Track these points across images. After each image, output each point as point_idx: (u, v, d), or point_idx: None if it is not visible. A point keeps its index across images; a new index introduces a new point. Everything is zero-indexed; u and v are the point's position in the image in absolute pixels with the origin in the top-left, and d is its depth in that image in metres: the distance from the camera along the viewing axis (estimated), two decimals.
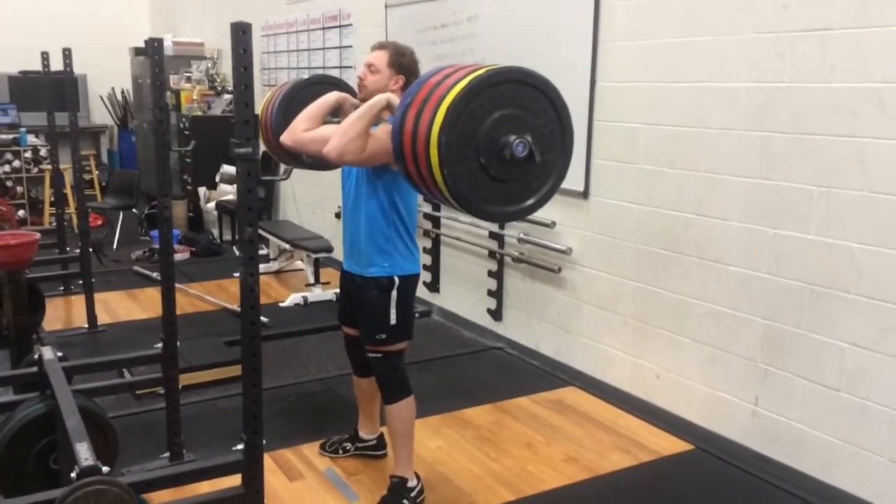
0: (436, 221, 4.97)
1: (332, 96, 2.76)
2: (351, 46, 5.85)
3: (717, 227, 3.23)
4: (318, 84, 3.11)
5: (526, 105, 2.16)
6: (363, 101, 2.61)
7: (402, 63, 2.70)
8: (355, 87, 2.82)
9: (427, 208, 5.00)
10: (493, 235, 4.46)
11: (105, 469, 1.92)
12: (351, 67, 5.87)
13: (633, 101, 3.55)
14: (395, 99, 2.46)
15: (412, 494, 2.75)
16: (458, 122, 2.06)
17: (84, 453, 1.96)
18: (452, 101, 2.06)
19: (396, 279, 2.69)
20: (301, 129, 2.70)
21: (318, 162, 2.81)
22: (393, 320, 2.69)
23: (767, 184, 3.01)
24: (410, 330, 2.78)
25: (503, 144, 2.12)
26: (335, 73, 6.09)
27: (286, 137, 2.75)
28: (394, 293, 2.69)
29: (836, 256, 2.82)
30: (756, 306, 3.11)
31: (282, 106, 3.01)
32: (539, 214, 4.07)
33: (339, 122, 2.65)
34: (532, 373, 4.12)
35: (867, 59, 2.67)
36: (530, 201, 2.25)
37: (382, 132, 2.45)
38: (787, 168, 2.95)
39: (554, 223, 4.00)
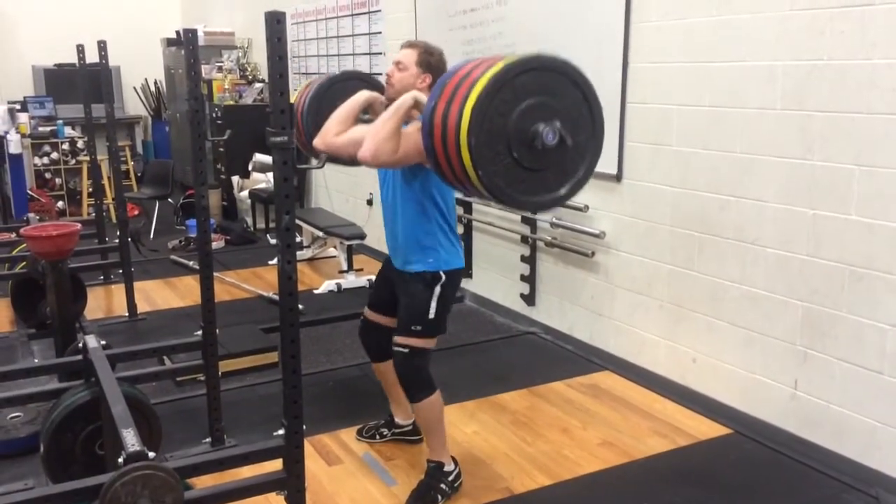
0: (467, 207, 4.96)
1: (361, 96, 2.76)
2: (380, 33, 5.85)
3: (755, 208, 3.18)
4: (347, 80, 3.09)
5: (549, 90, 2.13)
6: (390, 99, 2.61)
7: (431, 62, 2.70)
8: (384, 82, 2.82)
9: (458, 194, 5.00)
10: (525, 220, 4.45)
11: (151, 454, 1.97)
12: (381, 54, 5.87)
13: (666, 81, 3.51)
14: (423, 97, 2.46)
15: (450, 478, 2.77)
16: (484, 120, 2.05)
17: (130, 439, 2.01)
18: (476, 101, 2.04)
19: (443, 275, 2.71)
20: (333, 133, 2.72)
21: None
22: (432, 314, 2.70)
23: (806, 164, 2.97)
24: (445, 325, 2.79)
25: (533, 135, 2.10)
26: (364, 59, 6.11)
27: (319, 143, 2.77)
28: (437, 288, 2.70)
29: (877, 237, 2.77)
30: (795, 288, 3.07)
31: (312, 105, 3.01)
32: (572, 198, 4.06)
33: (370, 120, 2.68)
34: (566, 357, 4.11)
35: None
36: (568, 186, 2.24)
37: (413, 129, 2.45)
38: (826, 147, 2.89)
39: (587, 207, 3.97)
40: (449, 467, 2.78)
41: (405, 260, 2.76)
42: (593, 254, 4.00)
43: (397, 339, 2.74)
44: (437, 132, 2.16)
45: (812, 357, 3.04)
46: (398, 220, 2.75)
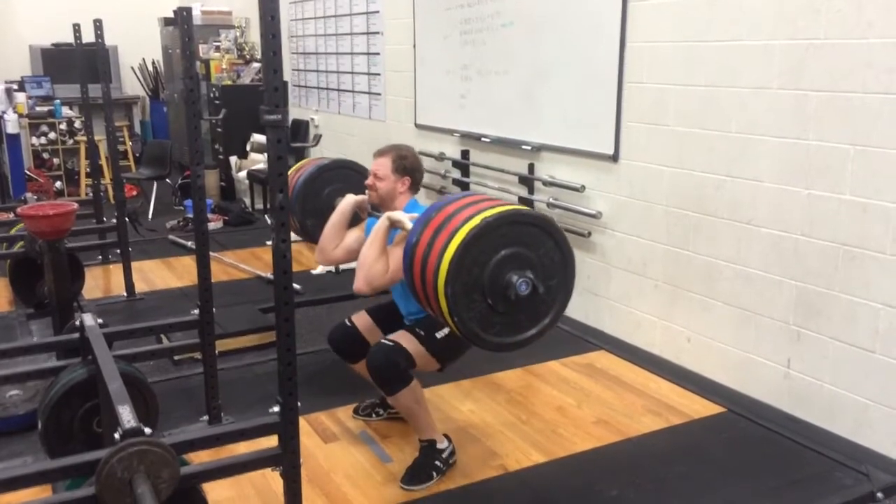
0: (464, 186, 4.96)
1: (347, 204, 2.94)
2: (378, 12, 5.82)
3: (750, 188, 3.19)
4: (336, 169, 3.34)
5: (525, 241, 2.25)
6: (374, 203, 2.88)
7: (406, 165, 2.87)
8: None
9: (456, 174, 5.00)
10: (522, 200, 4.45)
11: (147, 430, 1.99)
12: (378, 33, 5.85)
13: (663, 61, 3.50)
14: (397, 215, 2.62)
15: (444, 455, 2.79)
16: (461, 271, 2.17)
17: (127, 415, 2.03)
18: (454, 254, 2.15)
19: None
20: (331, 249, 2.95)
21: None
22: (440, 334, 2.69)
23: (801, 143, 2.97)
24: (447, 360, 2.79)
25: (507, 285, 2.21)
26: (362, 38, 6.09)
27: (320, 258, 3.03)
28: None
29: (870, 216, 2.77)
30: (788, 268, 3.08)
31: (300, 193, 3.26)
32: (568, 178, 4.07)
33: (358, 218, 2.96)
34: (562, 337, 4.13)
35: None
36: (538, 327, 2.34)
37: (398, 243, 2.61)
38: (821, 127, 2.90)
39: (583, 187, 3.98)
40: (441, 444, 2.80)
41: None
42: (589, 234, 4.01)
43: (390, 335, 2.71)
44: (416, 272, 2.29)
45: (805, 336, 3.05)
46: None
